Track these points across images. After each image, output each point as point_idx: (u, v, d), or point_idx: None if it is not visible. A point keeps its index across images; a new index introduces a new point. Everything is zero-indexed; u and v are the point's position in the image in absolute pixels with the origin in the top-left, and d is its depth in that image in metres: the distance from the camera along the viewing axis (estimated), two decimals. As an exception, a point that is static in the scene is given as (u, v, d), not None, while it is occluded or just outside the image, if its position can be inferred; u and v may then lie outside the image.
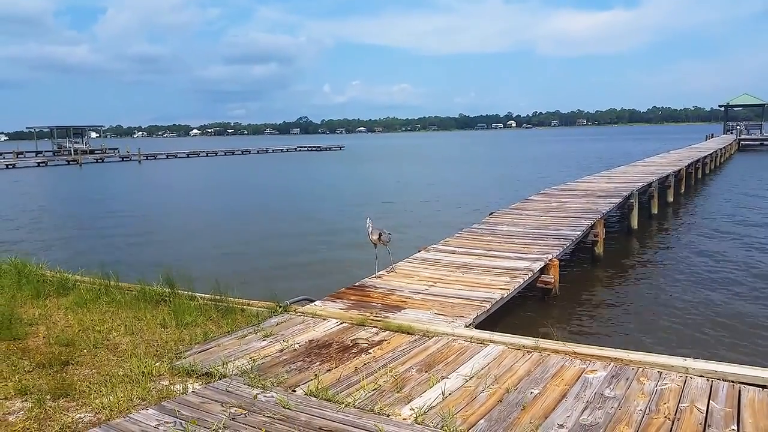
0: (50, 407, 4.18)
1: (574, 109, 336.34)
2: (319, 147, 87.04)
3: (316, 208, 22.78)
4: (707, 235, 14.87)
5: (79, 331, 5.94)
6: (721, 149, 38.79)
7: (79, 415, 4.08)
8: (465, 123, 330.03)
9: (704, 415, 3.90)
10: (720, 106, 66.79)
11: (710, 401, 4.08)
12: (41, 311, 6.72)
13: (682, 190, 22.99)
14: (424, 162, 54.28)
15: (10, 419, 4.04)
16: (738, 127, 57.99)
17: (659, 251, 13.55)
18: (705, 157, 30.81)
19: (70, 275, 8.22)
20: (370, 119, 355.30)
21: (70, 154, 65.78)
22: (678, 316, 8.71)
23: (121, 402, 4.20)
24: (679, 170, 22.63)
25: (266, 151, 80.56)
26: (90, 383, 4.60)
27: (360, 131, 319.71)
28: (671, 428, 3.75)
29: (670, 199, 20.55)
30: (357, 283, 7.62)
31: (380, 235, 7.41)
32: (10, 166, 56.94)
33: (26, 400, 4.32)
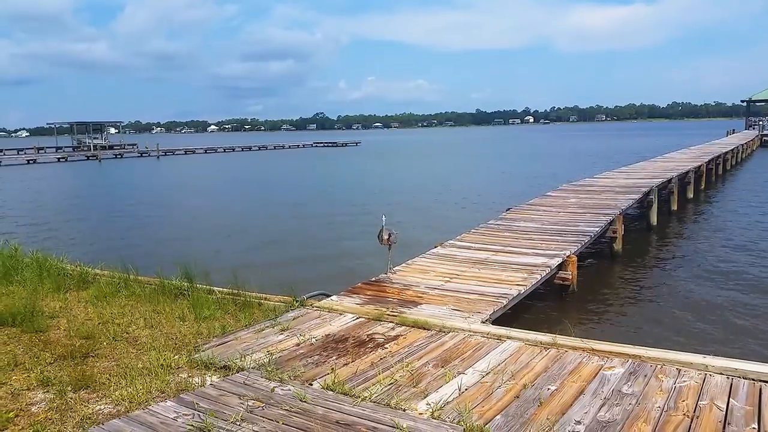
0: (71, 398, 4.24)
1: (593, 105, 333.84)
2: (335, 143, 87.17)
3: (332, 204, 22.84)
4: (727, 232, 14.68)
5: (99, 324, 6.02)
6: (742, 145, 38.24)
7: (99, 406, 4.14)
8: (482, 119, 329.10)
9: (724, 413, 3.86)
10: (742, 101, 65.76)
11: (730, 399, 4.03)
12: (62, 304, 6.81)
13: (702, 187, 22.72)
14: (441, 158, 54.17)
15: (33, 410, 4.11)
16: (761, 123, 57.16)
17: (679, 248, 13.40)
18: (726, 153, 30.40)
19: (89, 269, 8.31)
20: (387, 115, 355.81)
21: (90, 149, 66.69)
22: (697, 313, 8.62)
23: (141, 394, 4.25)
24: (699, 166, 22.35)
25: (283, 147, 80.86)
26: (110, 375, 4.66)
27: (376, 127, 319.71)
28: (690, 426, 3.71)
29: (690, 195, 20.33)
30: (373, 279, 7.63)
31: (390, 235, 7.40)
32: (31, 162, 57.86)
33: (48, 391, 4.39)
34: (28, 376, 4.68)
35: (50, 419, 3.95)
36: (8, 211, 22.75)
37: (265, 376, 4.50)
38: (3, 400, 4.27)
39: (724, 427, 3.68)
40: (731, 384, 4.26)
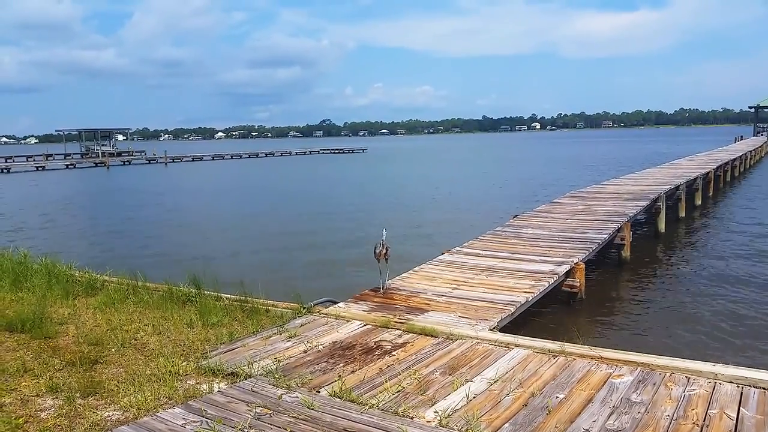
0: (80, 405, 4.26)
1: (600, 111, 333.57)
2: (342, 149, 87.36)
3: (339, 211, 22.85)
4: (736, 239, 14.60)
5: (108, 330, 6.04)
6: (750, 152, 38.09)
7: (107, 413, 4.15)
8: (488, 125, 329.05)
9: (734, 422, 3.83)
10: (750, 108, 65.73)
11: (740, 408, 4.00)
12: (71, 311, 6.84)
13: (710, 194, 22.63)
14: (448, 164, 54.15)
15: (42, 416, 4.13)
16: (769, 129, 56.92)
17: (687, 255, 13.34)
18: (734, 159, 30.27)
19: (98, 276, 8.36)
20: (393, 121, 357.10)
21: (98, 156, 67.01)
22: (706, 321, 8.57)
23: (149, 401, 4.26)
24: (708, 173, 22.28)
25: (290, 154, 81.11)
26: (118, 382, 4.67)
27: (383, 133, 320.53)
28: (700, 435, 3.68)
29: (698, 202, 20.22)
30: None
31: (386, 249, 7.37)
32: (40, 168, 58.23)
33: (57, 398, 4.40)
34: (37, 382, 4.70)
35: (59, 425, 3.97)
36: (17, 218, 22.87)
37: (273, 383, 4.50)
38: (12, 406, 4.29)
39: (734, 437, 3.65)
40: (741, 392, 4.23)
